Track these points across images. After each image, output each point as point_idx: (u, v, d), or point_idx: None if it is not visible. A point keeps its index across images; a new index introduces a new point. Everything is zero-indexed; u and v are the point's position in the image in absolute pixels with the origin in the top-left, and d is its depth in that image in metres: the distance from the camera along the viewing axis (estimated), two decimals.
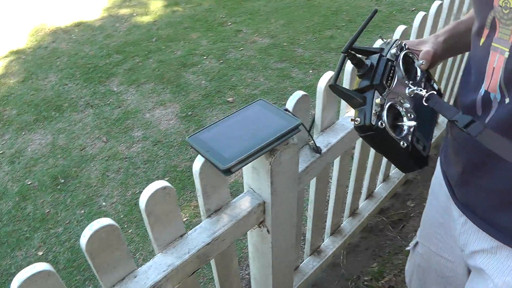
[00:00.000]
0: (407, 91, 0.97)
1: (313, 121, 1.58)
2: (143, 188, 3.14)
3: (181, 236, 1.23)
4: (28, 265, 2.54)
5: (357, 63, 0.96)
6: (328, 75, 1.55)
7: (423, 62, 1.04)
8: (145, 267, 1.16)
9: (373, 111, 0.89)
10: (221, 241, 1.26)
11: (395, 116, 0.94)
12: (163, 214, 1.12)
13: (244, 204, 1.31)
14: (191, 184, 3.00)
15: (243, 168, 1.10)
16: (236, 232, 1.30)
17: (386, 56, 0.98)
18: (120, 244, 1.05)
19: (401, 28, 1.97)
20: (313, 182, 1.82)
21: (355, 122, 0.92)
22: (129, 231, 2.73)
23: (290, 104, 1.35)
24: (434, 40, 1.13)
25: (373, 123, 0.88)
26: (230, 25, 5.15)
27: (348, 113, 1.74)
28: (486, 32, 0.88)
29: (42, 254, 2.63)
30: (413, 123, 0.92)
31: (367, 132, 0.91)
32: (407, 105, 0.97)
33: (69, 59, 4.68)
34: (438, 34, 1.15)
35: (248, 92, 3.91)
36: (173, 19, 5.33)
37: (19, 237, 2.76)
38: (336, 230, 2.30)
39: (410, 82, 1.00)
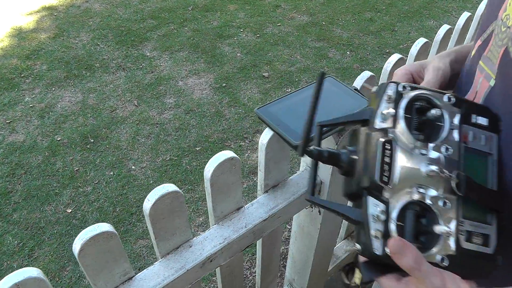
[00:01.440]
0: (423, 169, 0.61)
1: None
2: (174, 156, 3.12)
3: (238, 209, 1.20)
4: (57, 221, 2.51)
5: (329, 160, 0.67)
6: (394, 57, 1.47)
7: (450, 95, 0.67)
8: (201, 237, 1.13)
9: (372, 232, 0.60)
10: (277, 217, 1.23)
11: (421, 215, 0.62)
12: (225, 185, 1.09)
13: (301, 182, 1.27)
14: None
15: None
16: (292, 209, 1.27)
17: (375, 124, 0.65)
18: (182, 212, 1.03)
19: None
20: None
21: (357, 251, 0.64)
22: None
23: (357, 83, 1.30)
24: (439, 59, 0.89)
25: (377, 252, 0.59)
26: None
27: None
28: (479, 43, 0.77)
29: (71, 212, 2.57)
30: (447, 228, 0.59)
31: (379, 261, 0.61)
32: (433, 192, 0.61)
33: (102, 20, 4.58)
34: (442, 55, 0.91)
35: (284, 68, 3.81)
36: None
37: (48, 192, 2.70)
38: None
39: (432, 144, 0.64)
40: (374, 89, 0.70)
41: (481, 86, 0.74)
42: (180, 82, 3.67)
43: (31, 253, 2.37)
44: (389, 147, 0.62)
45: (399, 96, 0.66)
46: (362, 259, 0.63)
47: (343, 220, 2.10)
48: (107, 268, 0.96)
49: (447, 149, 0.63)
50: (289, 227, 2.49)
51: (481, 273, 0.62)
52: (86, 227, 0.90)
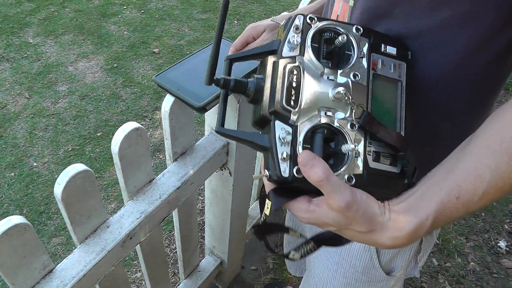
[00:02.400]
0: (331, 93, 0.63)
1: None
2: (76, 145, 3.14)
3: (150, 181, 1.19)
4: None
5: (236, 88, 0.67)
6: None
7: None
8: (117, 216, 1.12)
9: (279, 156, 0.60)
10: (190, 184, 1.24)
11: (329, 138, 0.64)
12: (135, 157, 1.07)
13: (209, 146, 1.29)
14: None
15: (206, 108, 1.06)
16: (203, 174, 1.29)
17: (282, 53, 0.65)
18: (95, 191, 1.01)
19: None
20: None
21: (265, 177, 0.63)
22: None
23: None
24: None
25: (285, 174, 0.59)
26: None
27: None
28: None
29: None
30: (352, 146, 0.61)
31: (288, 185, 0.61)
32: (341, 114, 0.63)
33: None
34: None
35: (174, 42, 3.88)
36: None
37: None
38: None
39: (340, 70, 0.66)
40: (282, 22, 0.69)
41: (342, 10, 0.77)
42: (70, 67, 3.62)
43: None
44: (296, 72, 0.63)
45: (307, 26, 0.66)
46: (270, 186, 0.63)
47: (254, 181, 2.15)
48: (25, 264, 0.93)
49: (355, 75, 0.65)
50: (201, 198, 2.64)
51: (389, 192, 0.64)
52: None
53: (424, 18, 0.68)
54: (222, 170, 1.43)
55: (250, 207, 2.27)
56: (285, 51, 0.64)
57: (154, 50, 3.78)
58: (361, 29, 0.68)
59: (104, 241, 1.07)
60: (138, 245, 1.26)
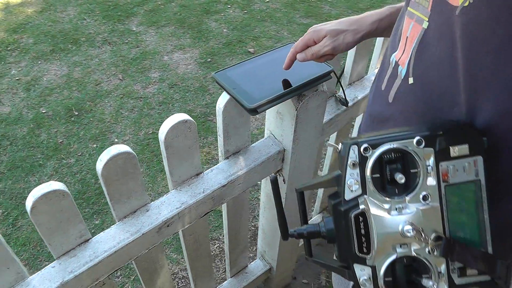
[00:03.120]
0: (402, 231, 0.62)
1: (342, 72, 1.52)
2: (157, 129, 3.16)
3: (197, 174, 1.20)
4: None
5: (310, 235, 0.73)
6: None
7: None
8: (158, 202, 1.14)
9: None
10: (237, 184, 1.23)
11: (409, 266, 0.64)
12: (182, 148, 1.08)
13: (263, 149, 1.27)
14: (205, 130, 2.98)
15: (266, 112, 1.06)
16: (253, 177, 1.27)
17: (344, 196, 0.66)
18: (136, 174, 1.03)
19: None
20: (333, 137, 1.76)
21: None
22: (140, 170, 2.72)
23: None
24: (338, 24, 0.98)
25: None
26: None
27: (377, 68, 1.69)
28: None
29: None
30: (431, 283, 0.62)
31: None
32: (416, 245, 0.63)
33: None
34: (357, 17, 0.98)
35: (271, 44, 3.84)
36: None
37: (32, 163, 2.76)
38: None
39: (408, 196, 0.64)
40: (339, 147, 0.68)
41: (412, 30, 0.73)
42: (165, 57, 3.71)
43: (14, 222, 2.43)
44: (362, 219, 0.63)
45: (363, 159, 0.64)
46: None
47: (318, 191, 2.11)
48: (61, 228, 0.97)
49: (425, 197, 0.62)
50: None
51: None
52: None
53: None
54: (278, 175, 1.39)
55: (312, 218, 2.16)
56: (347, 194, 0.64)
57: (249, 49, 3.77)
58: (423, 141, 0.63)
59: (141, 223, 1.09)
60: (181, 233, 1.27)
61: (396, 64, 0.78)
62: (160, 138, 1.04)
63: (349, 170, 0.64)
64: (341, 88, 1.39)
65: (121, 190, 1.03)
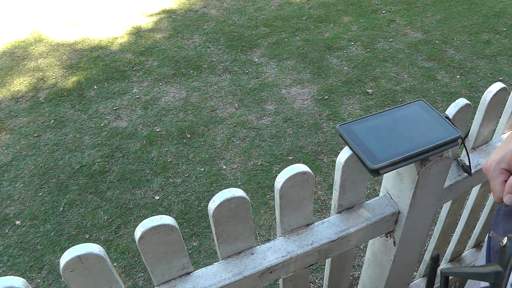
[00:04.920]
0: None
1: (467, 135, 1.40)
2: (266, 161, 3.03)
3: (307, 225, 1.17)
4: (144, 205, 2.57)
5: None
6: (496, 86, 1.32)
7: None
8: (264, 247, 1.12)
9: None
10: (346, 241, 1.18)
11: None
12: (296, 199, 1.06)
13: (378, 208, 1.21)
14: (314, 169, 2.81)
15: (379, 171, 0.99)
16: (364, 236, 1.22)
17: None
18: (247, 219, 1.02)
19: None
20: (448, 202, 1.62)
21: None
22: None
23: (450, 111, 1.20)
24: None
25: None
26: (384, 13, 4.86)
27: (504, 134, 1.51)
28: None
29: (158, 199, 2.62)
30: None
31: None
32: None
33: (216, 25, 4.71)
34: None
35: (389, 86, 3.62)
36: (327, 0, 5.16)
37: (140, 177, 2.78)
38: (456, 258, 2.04)
39: None
40: (504, 241, 0.62)
41: None
42: (283, 90, 3.63)
43: (117, 230, 2.47)
44: None
45: None
46: None
47: (423, 257, 1.97)
48: (165, 259, 0.98)
49: None
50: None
51: None
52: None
53: None
54: (386, 237, 1.32)
55: (413, 282, 1.95)
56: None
57: (368, 90, 3.58)
58: None
59: (244, 265, 1.08)
60: (281, 280, 1.24)
61: None
62: (276, 186, 1.03)
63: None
64: (466, 154, 1.30)
65: (229, 231, 1.02)
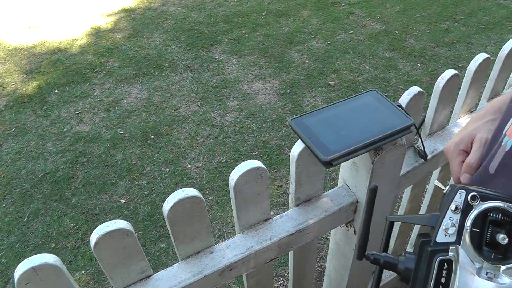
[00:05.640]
0: None
1: (422, 122, 1.43)
2: (230, 158, 3.07)
3: (265, 220, 1.17)
4: (110, 209, 2.56)
5: (386, 265, 0.69)
6: (448, 73, 1.35)
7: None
8: (223, 244, 1.13)
9: None
10: (306, 233, 1.20)
11: None
12: (251, 195, 1.07)
13: (336, 199, 1.23)
14: (279, 163, 2.86)
15: (332, 163, 1.00)
16: (323, 227, 1.23)
17: (436, 238, 0.62)
18: (203, 217, 1.03)
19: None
20: (408, 188, 1.67)
21: None
22: (210, 198, 2.64)
23: (403, 100, 1.22)
24: (486, 126, 0.87)
25: None
26: (343, 6, 4.92)
27: (460, 119, 1.57)
28: None
29: (124, 202, 2.61)
30: None
31: None
32: None
33: (176, 22, 4.68)
34: (492, 114, 0.88)
35: (351, 78, 3.69)
36: None
37: (105, 181, 2.77)
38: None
39: (504, 266, 0.58)
40: (445, 190, 0.66)
41: None
42: (245, 86, 3.66)
43: (84, 237, 2.45)
44: (447, 266, 0.58)
45: (467, 207, 0.61)
46: None
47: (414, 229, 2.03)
48: (123, 264, 0.98)
49: None
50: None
51: None
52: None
53: None
54: (347, 226, 1.34)
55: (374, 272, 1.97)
56: (440, 236, 0.61)
57: (330, 82, 3.64)
58: None
59: (204, 265, 1.08)
60: (245, 276, 1.25)
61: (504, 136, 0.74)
62: (230, 184, 1.03)
63: (449, 213, 0.61)
64: (420, 140, 1.32)
65: (185, 231, 1.02)
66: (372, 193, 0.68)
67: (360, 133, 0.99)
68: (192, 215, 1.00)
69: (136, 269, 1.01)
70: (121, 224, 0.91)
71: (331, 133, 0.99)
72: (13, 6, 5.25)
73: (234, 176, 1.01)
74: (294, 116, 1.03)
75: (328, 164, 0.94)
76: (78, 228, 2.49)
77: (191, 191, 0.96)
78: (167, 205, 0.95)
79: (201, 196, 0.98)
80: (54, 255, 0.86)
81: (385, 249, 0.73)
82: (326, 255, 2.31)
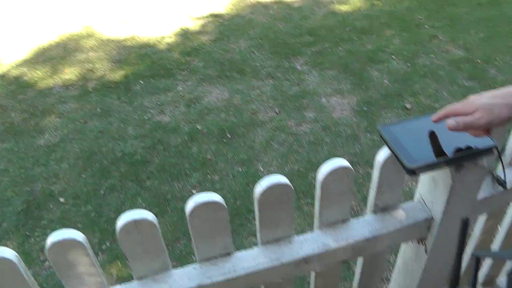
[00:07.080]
0: None
1: (503, 149, 1.38)
2: (302, 167, 3.09)
3: (344, 221, 1.19)
4: (182, 197, 2.65)
5: None
6: None
7: None
8: (301, 237, 1.15)
9: None
10: (380, 241, 1.20)
11: None
12: (336, 192, 1.09)
13: (411, 212, 1.22)
14: None
15: (420, 175, 1.01)
16: (396, 238, 1.23)
17: None
18: (289, 206, 1.06)
19: None
20: (482, 217, 1.58)
21: None
22: None
23: None
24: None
25: None
26: (426, 28, 4.86)
27: None
28: None
29: (195, 193, 2.69)
30: None
31: None
32: None
33: (262, 31, 4.80)
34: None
35: (428, 103, 3.63)
36: (371, 13, 5.20)
37: (180, 171, 2.90)
38: (487, 281, 1.92)
39: None
40: None
41: None
42: (323, 98, 3.69)
43: None
44: None
45: None
46: None
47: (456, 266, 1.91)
48: (211, 236, 1.03)
49: None
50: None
51: None
52: None
53: None
54: (419, 243, 1.32)
55: None
56: None
57: (406, 105, 3.60)
58: None
59: (282, 252, 1.11)
60: (313, 272, 1.27)
61: None
62: (318, 178, 1.06)
63: None
64: (501, 167, 1.24)
65: (271, 217, 1.06)
66: (464, 224, 0.67)
67: (446, 148, 1.00)
68: (280, 202, 1.03)
69: (221, 244, 1.06)
70: (216, 197, 0.96)
71: (417, 143, 1.00)
72: (109, 1, 5.59)
73: (323, 171, 1.04)
74: (383, 124, 1.05)
75: (412, 172, 0.95)
76: (149, 209, 2.59)
77: (283, 178, 1.00)
78: (259, 188, 0.99)
79: (291, 186, 1.01)
80: (153, 214, 0.97)
81: (474, 284, 0.72)
82: (387, 278, 2.28)
